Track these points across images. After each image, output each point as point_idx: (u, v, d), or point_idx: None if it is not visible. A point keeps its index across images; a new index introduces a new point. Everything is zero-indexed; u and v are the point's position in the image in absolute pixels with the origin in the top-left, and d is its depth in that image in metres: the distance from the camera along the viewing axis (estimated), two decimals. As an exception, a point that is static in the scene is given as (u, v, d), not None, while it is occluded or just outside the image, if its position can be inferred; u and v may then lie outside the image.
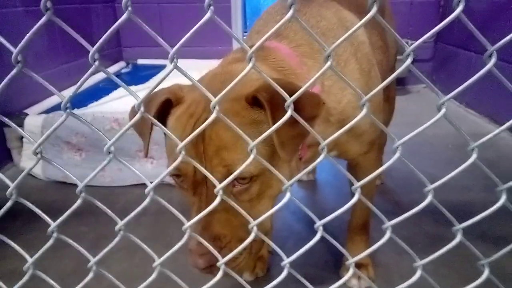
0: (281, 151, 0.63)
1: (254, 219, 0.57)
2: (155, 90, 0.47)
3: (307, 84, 0.48)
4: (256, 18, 1.06)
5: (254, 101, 0.66)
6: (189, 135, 0.50)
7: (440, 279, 1.13)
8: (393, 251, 1.22)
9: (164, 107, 0.72)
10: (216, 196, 0.54)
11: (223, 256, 0.60)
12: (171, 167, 0.54)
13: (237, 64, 0.81)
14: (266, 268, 1.19)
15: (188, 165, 0.66)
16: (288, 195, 0.53)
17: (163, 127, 0.51)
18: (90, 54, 0.43)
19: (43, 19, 0.44)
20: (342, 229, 1.18)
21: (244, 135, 0.51)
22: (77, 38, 0.46)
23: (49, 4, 0.43)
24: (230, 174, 0.58)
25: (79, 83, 0.45)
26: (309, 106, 0.63)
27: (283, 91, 0.49)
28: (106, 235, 1.33)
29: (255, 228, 0.57)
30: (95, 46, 0.42)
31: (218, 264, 0.60)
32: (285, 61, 0.82)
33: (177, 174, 0.71)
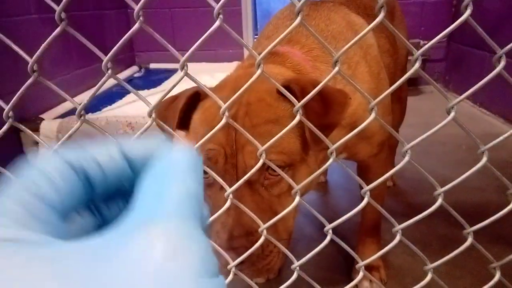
0: (312, 142, 0.63)
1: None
2: (166, 96, 0.48)
3: (326, 80, 0.49)
4: (266, 21, 1.07)
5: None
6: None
7: (454, 280, 1.12)
8: (405, 253, 1.22)
9: (192, 100, 0.73)
10: (248, 188, 0.54)
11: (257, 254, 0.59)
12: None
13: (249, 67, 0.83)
14: (278, 271, 1.20)
15: (219, 152, 0.66)
16: (297, 198, 0.54)
17: (172, 131, 0.52)
18: (104, 63, 0.44)
19: (58, 29, 0.46)
20: (353, 230, 1.18)
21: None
22: (91, 47, 0.47)
23: (63, 15, 0.44)
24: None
25: (94, 90, 0.47)
26: (338, 99, 0.63)
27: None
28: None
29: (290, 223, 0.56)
30: (108, 56, 0.43)
31: (237, 262, 0.58)
32: (301, 65, 0.84)
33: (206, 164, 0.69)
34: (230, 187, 0.60)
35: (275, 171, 0.64)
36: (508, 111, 2.37)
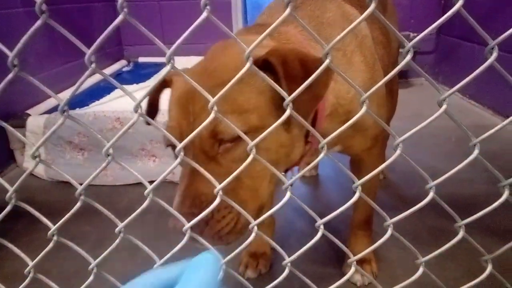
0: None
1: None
2: (147, 86, 0.47)
3: (318, 72, 0.48)
4: (256, 12, 1.07)
5: (265, 66, 0.61)
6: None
7: (445, 272, 1.12)
8: (397, 246, 1.22)
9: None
10: (204, 156, 0.52)
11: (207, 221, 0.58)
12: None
13: (248, 36, 0.79)
14: (269, 265, 1.19)
15: (174, 128, 0.66)
16: (288, 194, 0.53)
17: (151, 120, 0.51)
18: (86, 56, 0.42)
19: (38, 22, 0.44)
20: (345, 223, 1.18)
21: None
22: (74, 40, 0.45)
23: (44, 7, 0.42)
24: (217, 130, 0.57)
25: (76, 85, 0.45)
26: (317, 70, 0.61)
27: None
28: (110, 235, 1.32)
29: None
30: (91, 49, 0.41)
31: (188, 227, 0.55)
32: (292, 38, 0.81)
33: (170, 144, 0.68)
34: (192, 159, 0.57)
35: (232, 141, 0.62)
36: (497, 103, 2.39)
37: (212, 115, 0.47)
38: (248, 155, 0.52)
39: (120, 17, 0.41)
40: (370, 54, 0.94)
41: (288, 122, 0.65)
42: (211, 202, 0.54)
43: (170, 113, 0.71)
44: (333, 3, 0.97)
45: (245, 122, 0.62)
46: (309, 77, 0.47)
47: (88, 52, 0.42)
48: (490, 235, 1.16)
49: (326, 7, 0.94)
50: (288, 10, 0.43)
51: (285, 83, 0.57)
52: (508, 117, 0.51)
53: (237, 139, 0.62)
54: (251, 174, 0.65)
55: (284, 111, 0.49)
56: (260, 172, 0.66)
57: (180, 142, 0.52)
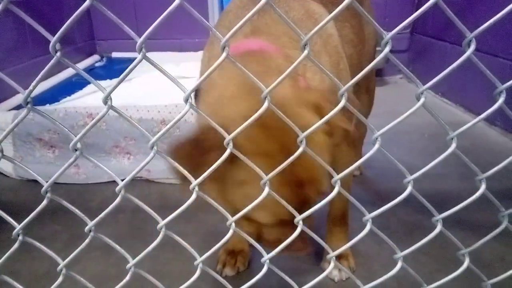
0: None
1: None
2: (123, 81, 0.44)
3: (287, 72, 0.47)
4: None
5: None
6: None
7: (419, 266, 1.14)
8: (372, 241, 1.23)
9: None
10: None
11: None
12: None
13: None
14: (247, 263, 1.18)
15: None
16: (266, 189, 0.52)
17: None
18: (51, 44, 0.40)
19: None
20: (322, 220, 1.18)
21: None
22: (37, 27, 0.42)
23: (4, -9, 0.40)
24: None
25: (40, 75, 0.42)
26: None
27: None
28: (82, 233, 1.29)
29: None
30: (56, 36, 0.39)
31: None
32: (279, 60, 0.77)
33: None
34: None
35: None
36: (468, 101, 2.45)
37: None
38: None
39: (87, 2, 0.38)
40: (335, 53, 0.94)
41: None
42: None
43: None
44: (298, 0, 0.95)
45: None
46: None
47: (53, 39, 0.39)
48: (463, 229, 1.18)
49: (290, 6, 0.91)
50: (262, 2, 0.41)
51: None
52: (479, 114, 0.52)
53: None
54: None
55: None
56: None
57: None
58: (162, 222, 0.53)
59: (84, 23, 3.00)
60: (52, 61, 0.40)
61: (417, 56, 3.15)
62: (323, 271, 0.62)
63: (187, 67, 2.45)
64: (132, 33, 0.40)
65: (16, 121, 0.43)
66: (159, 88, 2.07)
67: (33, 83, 0.42)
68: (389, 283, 0.67)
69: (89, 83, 2.29)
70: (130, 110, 1.67)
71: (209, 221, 1.38)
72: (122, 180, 0.52)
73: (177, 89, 0.45)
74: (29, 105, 0.43)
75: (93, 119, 1.72)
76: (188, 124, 1.65)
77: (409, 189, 0.53)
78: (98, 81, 0.45)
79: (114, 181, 0.53)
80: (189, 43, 2.92)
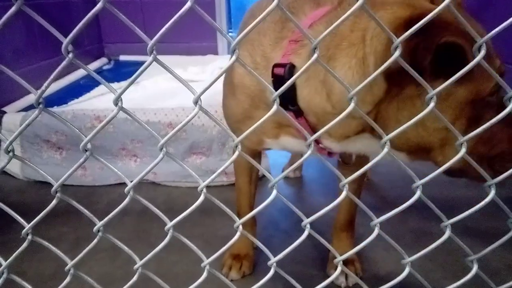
0: None
1: None
2: (131, 85, 0.44)
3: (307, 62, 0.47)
4: (240, 13, 1.03)
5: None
6: None
7: (425, 273, 1.13)
8: (379, 247, 1.22)
9: None
10: None
11: None
12: None
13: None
14: (253, 266, 1.18)
15: None
16: (274, 192, 0.52)
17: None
18: (63, 45, 0.40)
19: (13, 8, 0.42)
20: (328, 225, 1.17)
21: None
22: (50, 29, 0.43)
23: (18, -7, 0.40)
24: None
25: (52, 75, 0.43)
26: None
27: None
28: (88, 235, 1.29)
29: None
30: (68, 37, 0.39)
31: None
32: None
33: None
34: None
35: None
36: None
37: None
38: None
39: (99, 5, 0.39)
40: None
41: None
42: None
43: None
44: None
45: None
46: None
47: (65, 40, 0.40)
48: (470, 236, 1.17)
49: None
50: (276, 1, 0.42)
51: None
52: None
53: None
54: None
55: None
56: None
57: None
58: (170, 223, 0.53)
59: (92, 26, 3.03)
60: (65, 62, 0.41)
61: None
62: (329, 276, 0.62)
63: (195, 71, 2.47)
64: (144, 36, 0.41)
65: (27, 121, 0.44)
66: (166, 91, 2.08)
67: (46, 84, 0.42)
68: (396, 289, 0.66)
69: (97, 85, 2.32)
70: (137, 113, 1.67)
71: (215, 225, 1.38)
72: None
73: (184, 92, 0.46)
74: (41, 106, 0.44)
75: (100, 122, 1.74)
76: (194, 127, 1.66)
77: (417, 194, 0.53)
78: (107, 83, 0.46)
79: (121, 184, 0.53)
80: (197, 46, 2.93)
